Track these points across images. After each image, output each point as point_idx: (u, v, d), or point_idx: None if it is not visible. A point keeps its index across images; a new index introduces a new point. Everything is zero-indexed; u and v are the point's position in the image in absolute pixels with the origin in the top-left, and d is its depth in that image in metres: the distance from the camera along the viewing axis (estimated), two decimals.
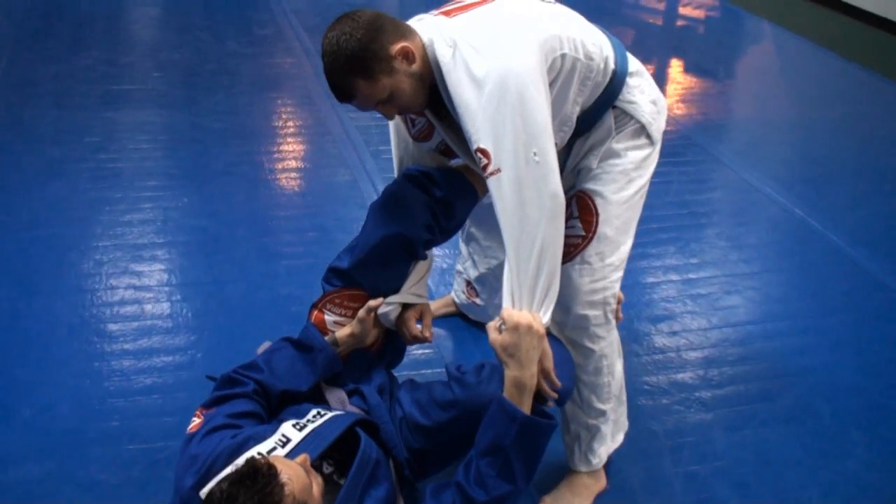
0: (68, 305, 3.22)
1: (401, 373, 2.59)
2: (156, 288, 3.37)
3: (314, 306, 2.39)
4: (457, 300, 3.21)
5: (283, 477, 1.73)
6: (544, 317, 2.02)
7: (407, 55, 2.01)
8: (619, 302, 2.35)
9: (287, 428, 2.06)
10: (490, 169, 1.95)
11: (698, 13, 7.92)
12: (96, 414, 2.71)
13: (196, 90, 5.31)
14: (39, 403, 2.73)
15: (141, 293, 3.32)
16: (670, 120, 5.14)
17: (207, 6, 7.05)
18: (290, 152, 4.67)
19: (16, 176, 4.16)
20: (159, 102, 5.11)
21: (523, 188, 1.93)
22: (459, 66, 1.97)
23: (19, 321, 3.12)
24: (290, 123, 5.03)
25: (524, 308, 2.00)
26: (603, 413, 2.41)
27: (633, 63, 2.27)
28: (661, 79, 6.21)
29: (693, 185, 4.46)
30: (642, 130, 2.26)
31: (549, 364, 2.07)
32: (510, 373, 1.99)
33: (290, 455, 1.98)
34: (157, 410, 2.71)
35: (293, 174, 4.44)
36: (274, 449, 2.00)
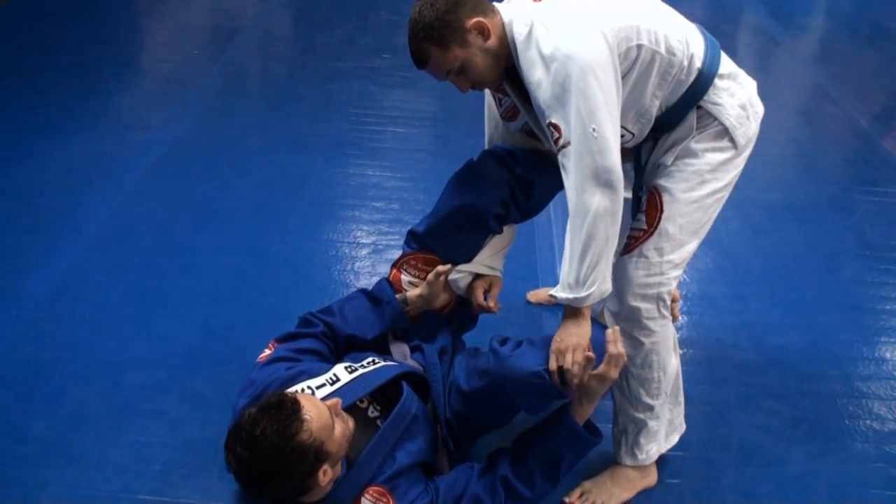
0: (222, 242, 3.66)
1: None
2: (295, 242, 3.71)
3: (394, 265, 2.57)
4: None
5: (305, 414, 1.93)
6: (590, 288, 2.10)
7: (483, 30, 2.14)
8: (674, 301, 2.34)
9: (339, 369, 2.26)
10: (561, 142, 2.07)
11: None
12: (217, 338, 3.07)
13: (416, 73, 5.58)
14: (173, 321, 3.14)
15: (281, 247, 3.67)
16: None
17: None
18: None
19: (225, 131, 4.71)
20: (377, 81, 5.47)
21: (582, 159, 2.03)
22: (532, 46, 2.08)
23: (181, 249, 3.59)
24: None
25: (571, 276, 2.11)
26: (651, 408, 2.42)
27: (727, 65, 2.26)
28: None
29: None
30: (725, 133, 2.24)
31: (585, 343, 2.15)
32: (582, 410, 2.21)
33: (336, 393, 2.17)
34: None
35: None
36: (323, 385, 2.20)
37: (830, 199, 4.28)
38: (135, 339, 3.02)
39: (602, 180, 2.03)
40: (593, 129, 2.00)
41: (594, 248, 2.07)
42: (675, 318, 2.38)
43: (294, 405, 1.92)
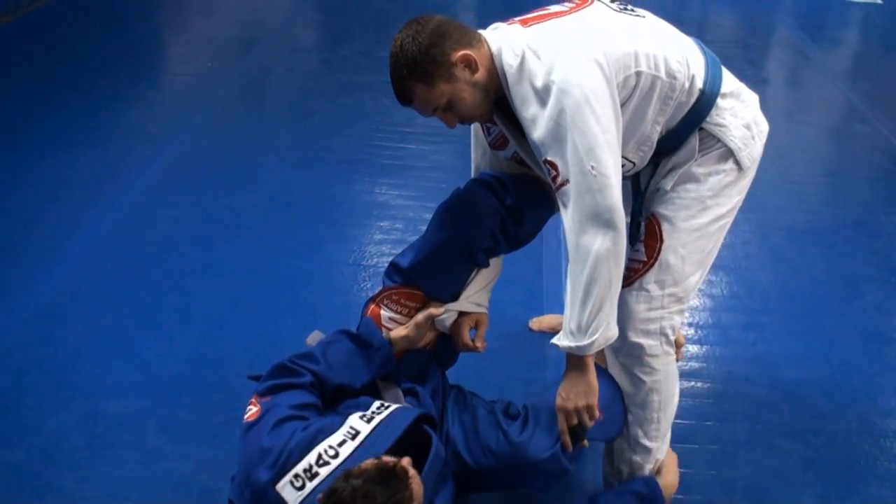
0: (219, 263, 3.57)
1: None
2: (294, 263, 3.61)
3: (371, 300, 2.40)
4: None
5: (413, 484, 1.77)
6: (593, 335, 1.98)
7: (469, 63, 2.00)
8: (679, 346, 2.21)
9: (355, 420, 2.03)
10: (559, 181, 1.94)
11: None
12: (204, 365, 2.96)
13: None
14: (160, 346, 3.04)
15: (279, 268, 3.56)
16: None
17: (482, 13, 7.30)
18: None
19: (233, 146, 4.65)
20: (391, 95, 5.24)
21: (582, 198, 1.91)
22: (525, 79, 1.95)
23: (176, 270, 3.51)
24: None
25: (573, 322, 1.99)
26: (648, 451, 2.28)
27: (730, 83, 2.12)
28: None
29: None
30: (729, 155, 2.10)
31: (594, 400, 2.07)
32: None
33: (362, 448, 1.95)
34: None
35: None
36: (344, 442, 1.96)
37: (855, 221, 4.11)
38: (119, 366, 2.92)
39: (603, 220, 1.91)
40: (592, 166, 1.88)
41: (597, 293, 1.94)
42: (678, 358, 2.23)
43: (404, 474, 1.77)
